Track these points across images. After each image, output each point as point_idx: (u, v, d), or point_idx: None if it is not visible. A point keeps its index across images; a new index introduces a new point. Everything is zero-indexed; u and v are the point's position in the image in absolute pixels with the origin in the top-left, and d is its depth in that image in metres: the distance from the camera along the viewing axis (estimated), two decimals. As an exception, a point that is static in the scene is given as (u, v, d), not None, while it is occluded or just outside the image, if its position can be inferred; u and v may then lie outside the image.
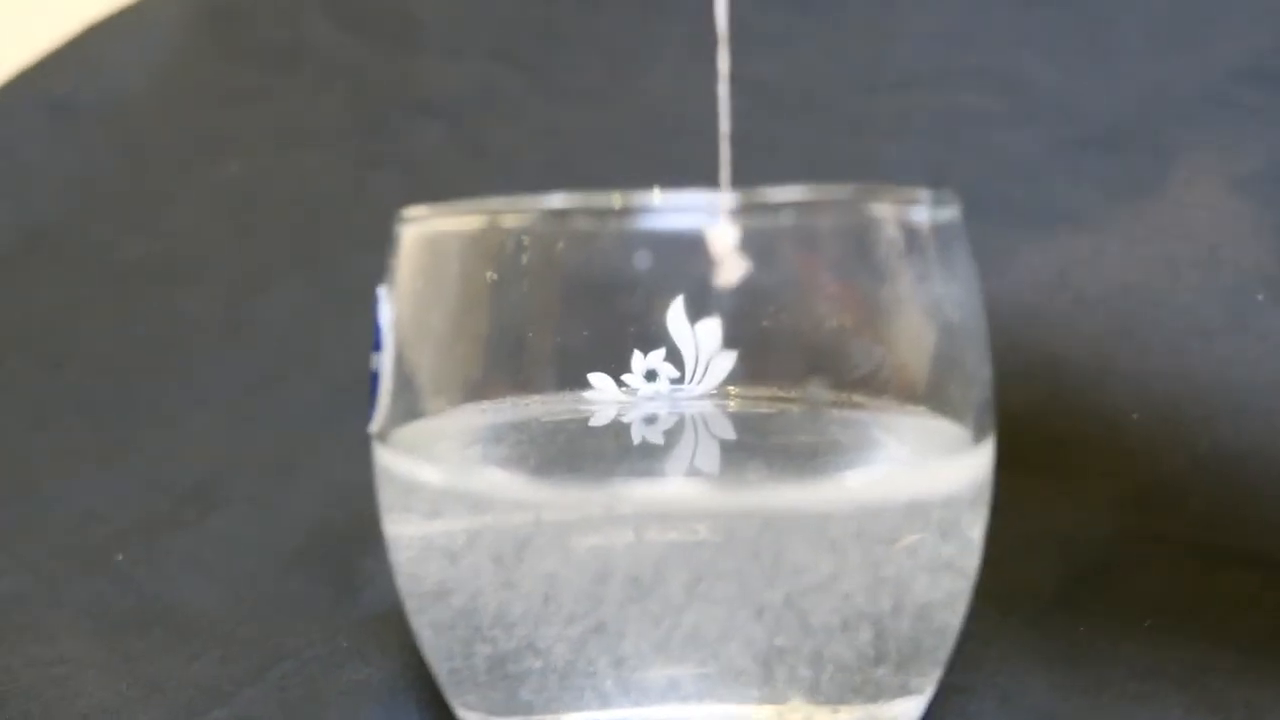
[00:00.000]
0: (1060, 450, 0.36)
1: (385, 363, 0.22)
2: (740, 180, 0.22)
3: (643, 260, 0.20)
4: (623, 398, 0.26)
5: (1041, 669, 0.27)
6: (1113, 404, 0.37)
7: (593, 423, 0.26)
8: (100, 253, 0.52)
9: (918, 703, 0.22)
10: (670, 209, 0.20)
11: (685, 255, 0.20)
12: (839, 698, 0.21)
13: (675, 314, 0.24)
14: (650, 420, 0.26)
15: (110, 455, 0.41)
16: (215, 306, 0.48)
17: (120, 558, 0.34)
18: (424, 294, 0.22)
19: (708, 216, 0.20)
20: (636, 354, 0.25)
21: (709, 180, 0.23)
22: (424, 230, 0.22)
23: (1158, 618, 0.29)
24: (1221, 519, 0.33)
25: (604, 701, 0.21)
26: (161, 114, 0.58)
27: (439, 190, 0.24)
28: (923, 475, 0.22)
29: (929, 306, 0.21)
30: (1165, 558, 0.31)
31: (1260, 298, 0.39)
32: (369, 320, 0.22)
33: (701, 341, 0.25)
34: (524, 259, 0.22)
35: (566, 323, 0.23)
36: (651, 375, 0.26)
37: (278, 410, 0.43)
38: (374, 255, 0.23)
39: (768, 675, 0.20)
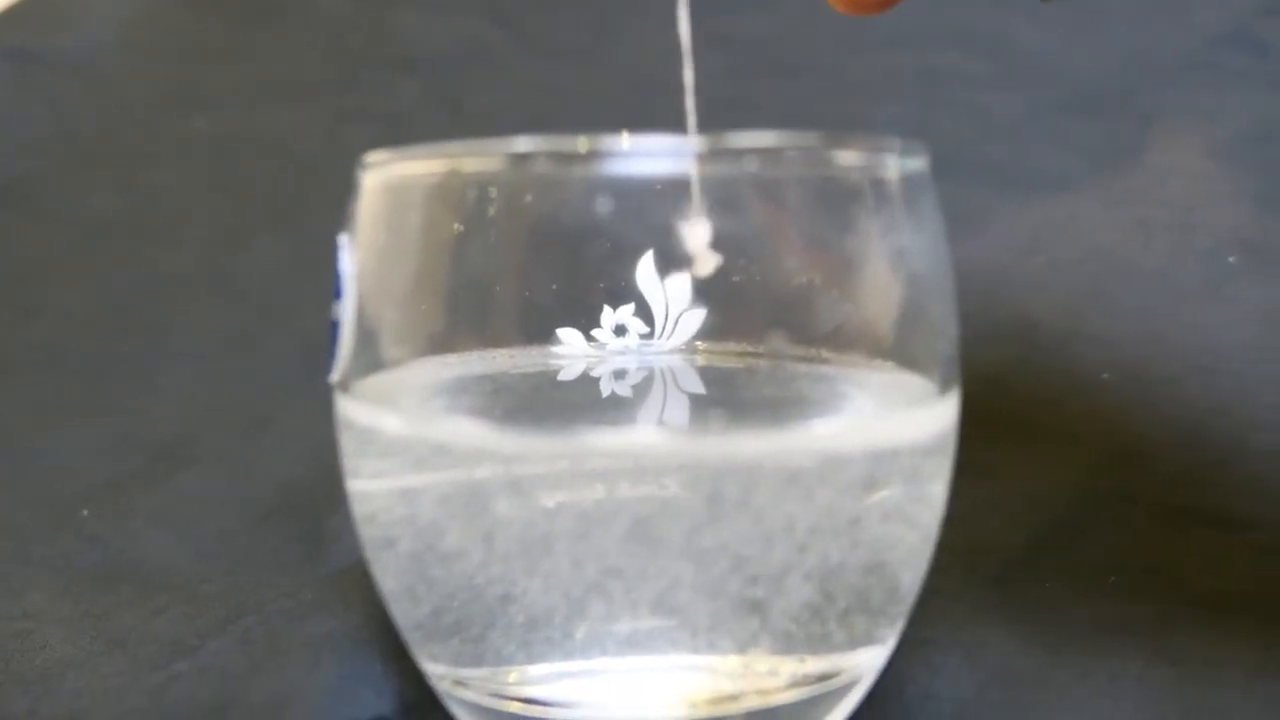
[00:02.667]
0: (1030, 410, 0.36)
1: (346, 311, 0.21)
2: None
3: (608, 205, 0.20)
4: (591, 352, 0.26)
5: (1004, 624, 0.27)
6: (1083, 365, 0.37)
7: (561, 377, 0.26)
8: (72, 208, 0.51)
9: (880, 653, 0.23)
10: (638, 153, 0.20)
11: (653, 200, 0.20)
12: (804, 648, 0.21)
13: (645, 269, 0.24)
14: (619, 374, 0.26)
15: (81, 411, 0.41)
16: (189, 262, 0.48)
17: (86, 514, 0.34)
18: (386, 241, 0.22)
19: (675, 160, 0.20)
20: (606, 309, 0.25)
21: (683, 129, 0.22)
22: (386, 176, 0.22)
23: (1121, 575, 0.29)
24: (1187, 479, 0.33)
25: (569, 653, 0.21)
26: (134, 68, 0.58)
27: (408, 145, 0.24)
28: (887, 426, 0.22)
29: (896, 257, 0.21)
30: (1131, 517, 0.32)
31: (1232, 260, 0.39)
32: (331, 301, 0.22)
33: (671, 297, 0.25)
34: (489, 205, 0.21)
35: (533, 273, 0.23)
36: (620, 330, 0.26)
37: (251, 367, 0.42)
38: (347, 213, 0.23)
39: (733, 626, 0.20)
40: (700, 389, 0.26)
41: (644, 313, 0.25)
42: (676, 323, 0.25)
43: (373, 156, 0.22)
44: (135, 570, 0.31)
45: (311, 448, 0.36)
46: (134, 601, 0.29)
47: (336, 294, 0.21)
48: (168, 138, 0.55)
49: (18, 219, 0.52)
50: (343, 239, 0.21)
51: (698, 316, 0.25)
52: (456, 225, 0.22)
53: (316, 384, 0.30)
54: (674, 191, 0.20)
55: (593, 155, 0.20)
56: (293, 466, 0.36)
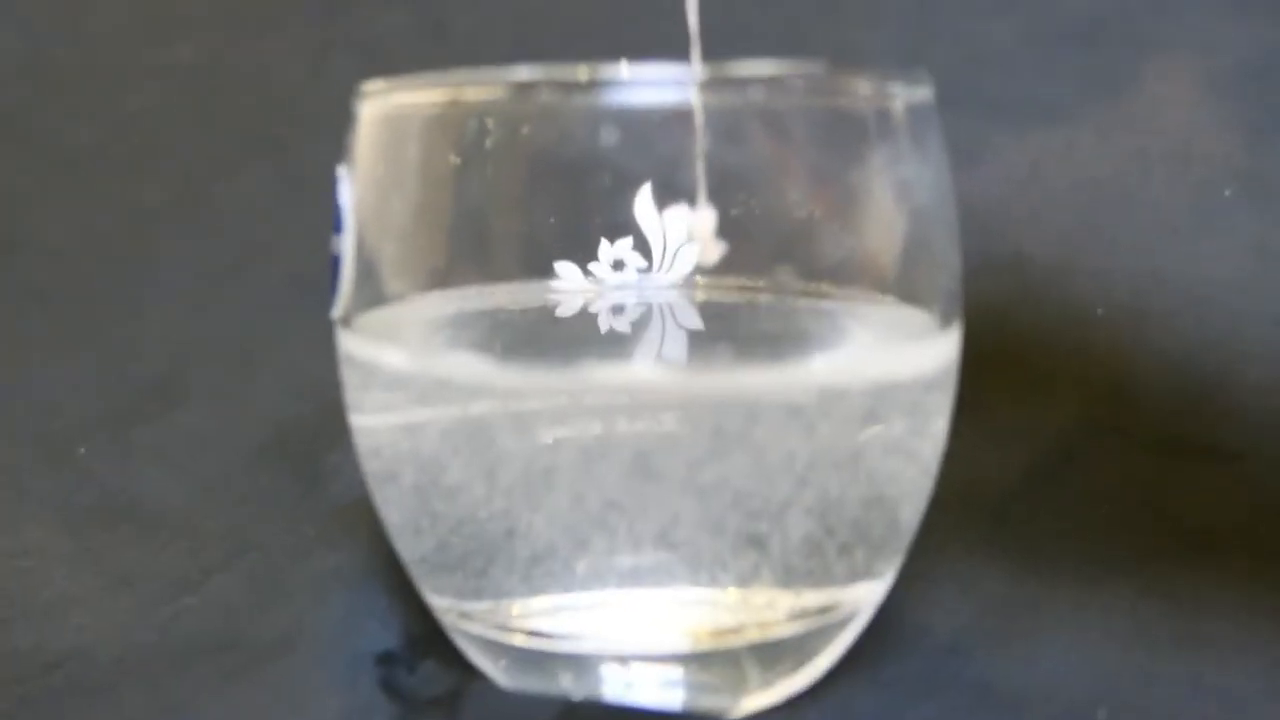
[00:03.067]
0: (1024, 345, 0.36)
1: (347, 245, 0.21)
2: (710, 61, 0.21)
3: (610, 136, 0.20)
4: (590, 287, 0.26)
5: (1000, 557, 0.27)
6: (1079, 299, 0.37)
7: (559, 312, 0.25)
8: (50, 139, 0.50)
9: (878, 587, 0.23)
10: (639, 82, 0.19)
11: (653, 131, 0.20)
12: (804, 582, 0.21)
13: (643, 202, 0.24)
14: (617, 309, 0.26)
15: (68, 347, 0.41)
16: (172, 194, 0.47)
17: (82, 451, 0.34)
18: (384, 173, 0.21)
19: (678, 90, 0.19)
20: (604, 242, 0.25)
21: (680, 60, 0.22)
22: (383, 106, 0.21)
23: (1114, 508, 0.29)
24: (1180, 412, 0.33)
25: (571, 586, 0.21)
26: (110, -6, 0.56)
27: (400, 75, 0.23)
28: (888, 360, 0.22)
29: (900, 190, 0.21)
30: (1124, 450, 0.32)
31: (1228, 193, 0.39)
32: (331, 208, 0.22)
33: (669, 230, 0.25)
34: (487, 136, 0.21)
35: (531, 207, 0.23)
36: (619, 264, 0.25)
37: (240, 301, 0.42)
38: (334, 142, 0.23)
39: (733, 560, 0.21)
40: (699, 324, 0.26)
41: (642, 246, 0.25)
42: (675, 257, 0.25)
43: (369, 86, 0.21)
44: (134, 507, 0.31)
45: (305, 383, 0.35)
46: (135, 538, 0.29)
47: (336, 228, 0.21)
48: (146, 68, 0.53)
49: (-6, 151, 0.51)
50: (341, 171, 0.21)
51: (696, 248, 0.25)
52: (454, 157, 0.22)
53: (307, 318, 0.30)
54: (674, 122, 0.20)
55: (593, 85, 0.20)
56: (287, 402, 0.36)
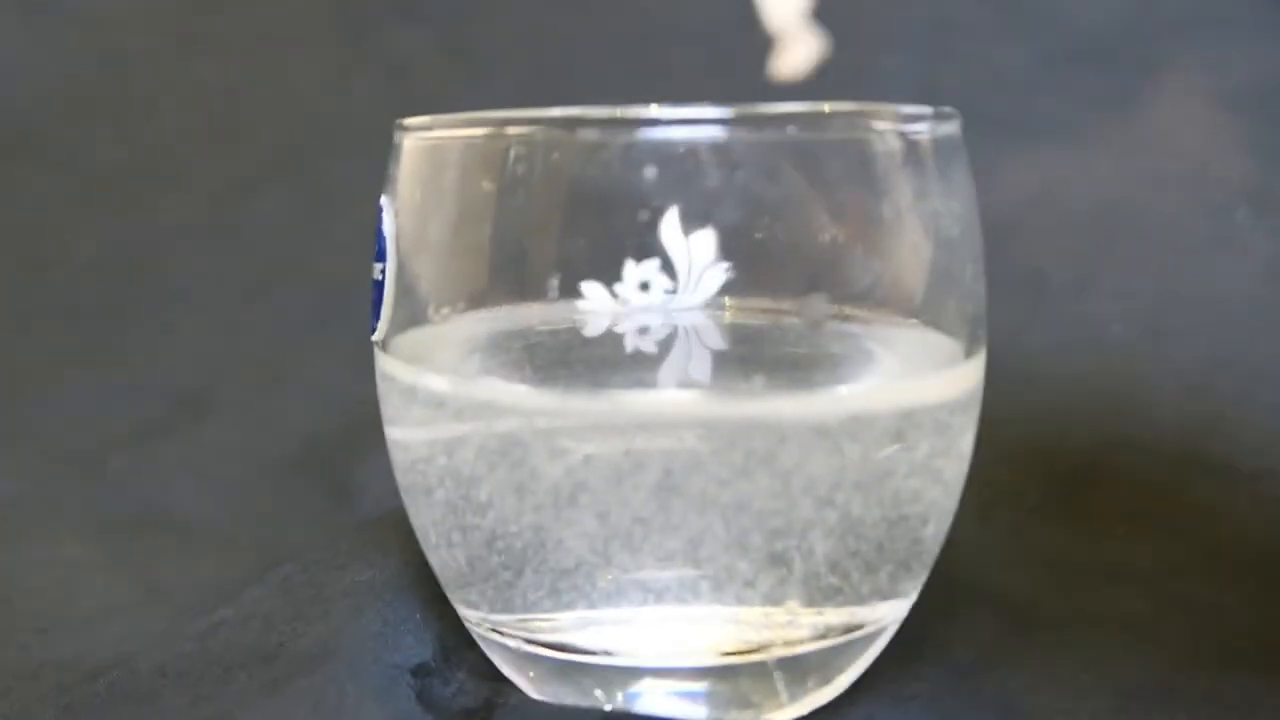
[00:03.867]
0: (1041, 363, 0.36)
1: (389, 273, 0.22)
2: (731, 88, 0.22)
3: (645, 174, 0.20)
4: (616, 307, 0.26)
5: (1020, 572, 0.28)
6: (1095, 317, 0.37)
7: (586, 333, 0.26)
8: (81, 157, 0.51)
9: (902, 605, 0.23)
10: (672, 122, 0.20)
11: (686, 169, 0.21)
12: (826, 600, 0.22)
13: (669, 225, 0.25)
14: (643, 330, 0.26)
15: (98, 362, 0.41)
16: (200, 212, 0.48)
17: (114, 465, 0.35)
18: (422, 202, 0.22)
19: (711, 131, 0.20)
20: (629, 263, 0.26)
21: (697, 87, 0.23)
22: (424, 139, 0.22)
23: (1132, 524, 0.30)
24: (1195, 430, 0.34)
25: (599, 601, 0.21)
26: (140, 16, 0.57)
27: (425, 94, 0.24)
28: (914, 388, 0.22)
29: (927, 221, 0.22)
30: (1141, 467, 0.32)
31: (1241, 213, 0.40)
32: (355, 225, 0.22)
33: (695, 253, 0.25)
34: (522, 171, 0.22)
35: (563, 233, 0.23)
36: (645, 286, 0.26)
37: (267, 317, 0.43)
38: (359, 160, 0.23)
39: (759, 579, 0.21)
40: (724, 345, 0.26)
41: (668, 269, 0.25)
42: (700, 279, 0.26)
43: (411, 121, 0.22)
44: (167, 519, 0.31)
45: (331, 399, 0.36)
46: (170, 550, 0.29)
47: (379, 256, 0.22)
48: (175, 87, 0.54)
49: (25, 169, 0.52)
50: (384, 201, 0.22)
51: (721, 271, 0.25)
52: (488, 185, 0.22)
53: (332, 335, 0.31)
54: (704, 157, 0.21)
55: (627, 122, 0.20)
56: (314, 418, 0.37)
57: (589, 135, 0.21)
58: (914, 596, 0.23)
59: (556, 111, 0.21)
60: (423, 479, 0.23)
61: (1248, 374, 0.35)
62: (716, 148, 0.20)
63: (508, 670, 0.23)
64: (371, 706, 0.20)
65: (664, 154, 0.21)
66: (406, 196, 0.22)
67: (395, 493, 0.24)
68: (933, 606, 0.25)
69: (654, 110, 0.20)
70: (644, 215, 0.23)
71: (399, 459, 0.23)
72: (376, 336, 0.23)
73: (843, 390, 0.22)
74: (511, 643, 0.23)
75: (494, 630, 0.23)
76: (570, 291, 0.26)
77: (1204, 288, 0.37)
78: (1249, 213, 0.39)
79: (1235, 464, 0.32)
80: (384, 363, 0.23)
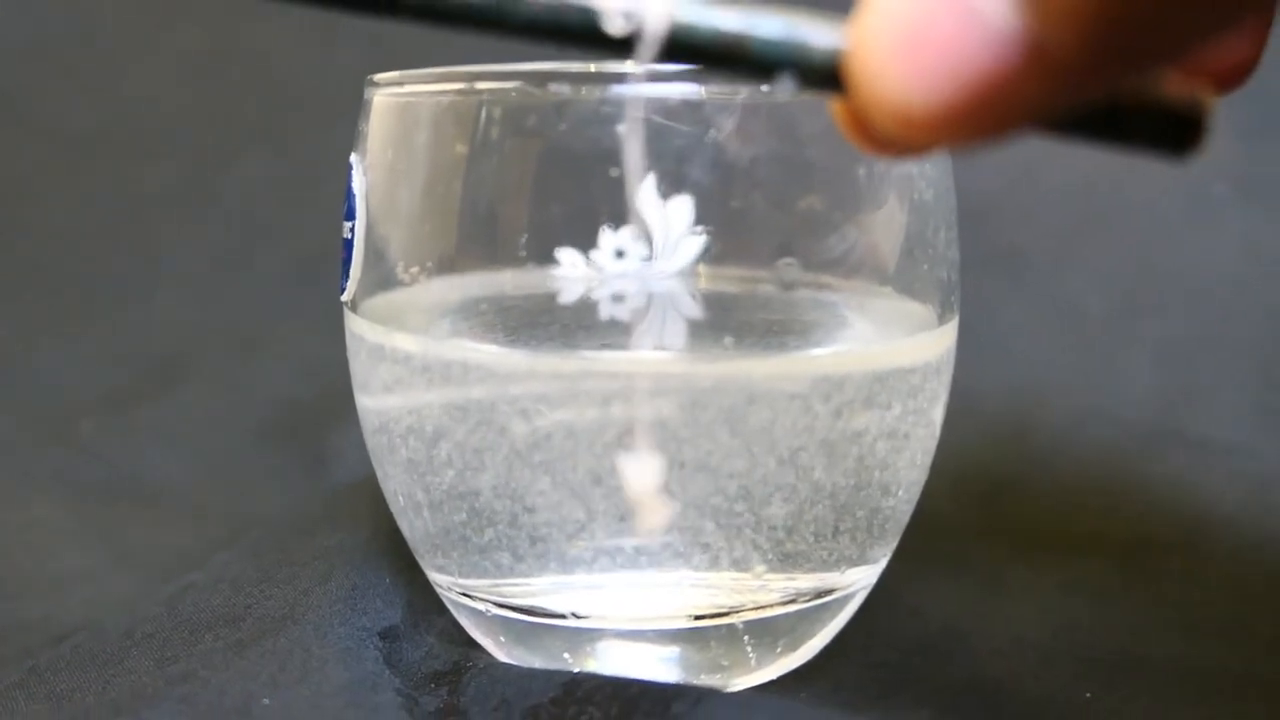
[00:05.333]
0: (1017, 338, 0.36)
1: (358, 231, 0.22)
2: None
3: (613, 129, 0.20)
4: (591, 274, 0.26)
5: (992, 542, 0.28)
6: (1072, 292, 0.37)
7: (561, 298, 0.26)
8: (55, 123, 0.51)
9: (871, 571, 0.23)
10: (645, 77, 0.20)
11: (658, 127, 0.20)
12: (796, 565, 0.22)
13: (646, 192, 0.24)
14: (618, 297, 0.26)
15: (71, 329, 0.41)
16: (175, 178, 0.47)
17: (86, 431, 0.34)
18: (394, 161, 0.22)
19: (682, 86, 0.20)
20: (605, 230, 0.25)
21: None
22: (395, 96, 0.22)
23: (1102, 496, 0.30)
24: (1168, 404, 0.34)
25: (571, 566, 0.21)
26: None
27: (404, 61, 0.23)
28: (885, 351, 0.22)
29: (901, 185, 0.22)
30: (1112, 440, 0.32)
31: (1218, 191, 0.40)
32: (334, 192, 0.22)
33: (671, 220, 0.25)
34: (495, 127, 0.21)
35: (535, 195, 0.23)
36: (620, 253, 0.26)
37: (242, 285, 0.42)
38: (338, 127, 0.23)
39: (730, 543, 0.21)
40: (699, 312, 0.26)
41: (644, 236, 0.25)
42: (676, 246, 0.26)
43: (381, 77, 0.22)
44: (138, 485, 0.31)
45: (306, 366, 0.36)
46: (139, 515, 0.29)
47: (348, 214, 0.21)
48: (150, 53, 0.54)
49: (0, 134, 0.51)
50: (354, 159, 0.22)
51: (698, 239, 0.25)
52: (461, 146, 0.22)
53: (307, 302, 0.31)
54: (678, 116, 0.21)
55: (601, 78, 0.20)
56: (288, 384, 0.36)
57: (562, 90, 0.20)
58: (883, 563, 0.23)
59: (529, 66, 0.20)
60: (391, 442, 0.22)
61: (1225, 349, 0.35)
62: (690, 106, 0.20)
63: (477, 635, 0.23)
64: (337, 668, 0.20)
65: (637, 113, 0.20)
66: (377, 154, 0.22)
67: (368, 461, 0.23)
68: (904, 575, 0.25)
69: (628, 65, 0.20)
70: (617, 173, 0.23)
71: (368, 421, 0.23)
72: (345, 296, 0.22)
73: (814, 353, 0.22)
74: (481, 607, 0.23)
75: (464, 594, 0.23)
76: (545, 257, 0.25)
77: (1180, 264, 0.37)
78: (1226, 190, 0.39)
79: (1208, 439, 0.32)
80: (353, 323, 0.22)
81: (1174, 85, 0.13)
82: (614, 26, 0.13)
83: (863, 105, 0.12)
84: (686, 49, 0.13)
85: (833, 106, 0.13)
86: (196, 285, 0.43)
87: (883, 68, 0.12)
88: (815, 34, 0.13)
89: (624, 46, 0.13)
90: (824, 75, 0.13)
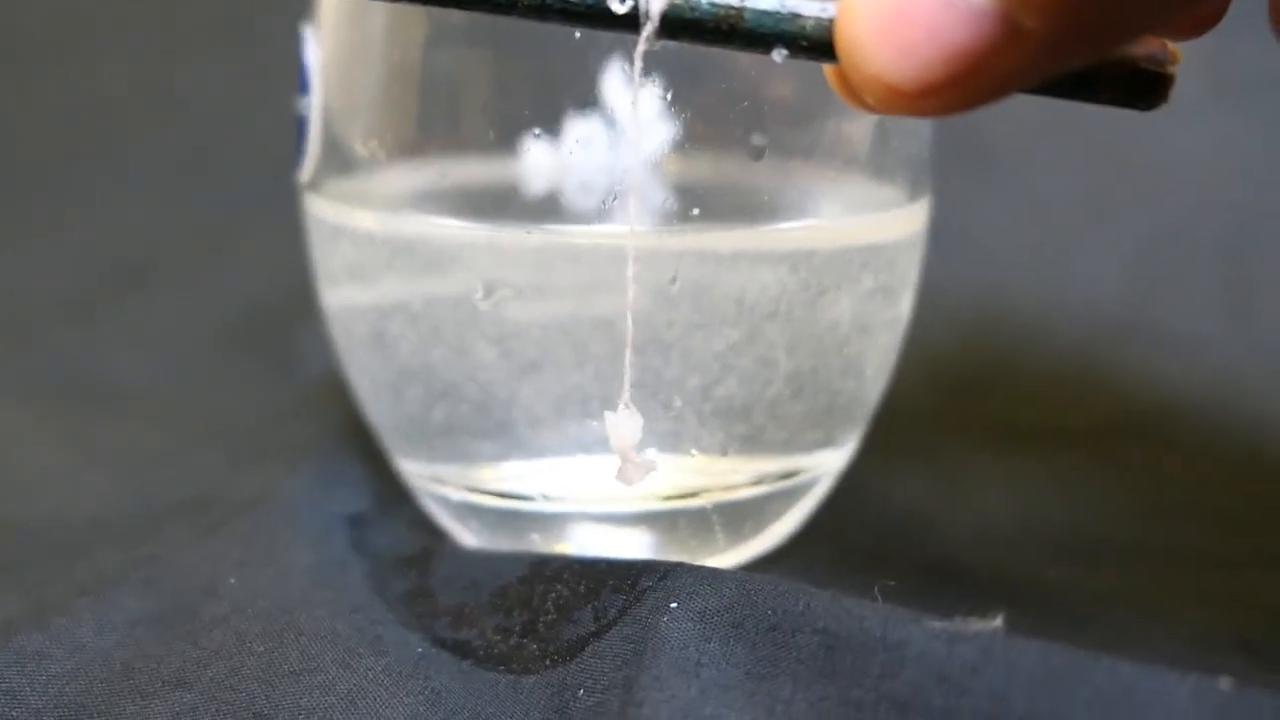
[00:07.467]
0: (989, 233, 0.36)
1: (313, 107, 0.21)
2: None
3: None
4: (559, 159, 0.26)
5: (959, 433, 0.28)
6: (1040, 188, 0.37)
7: (527, 186, 0.25)
8: (7, 29, 0.49)
9: (840, 456, 0.23)
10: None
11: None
12: (766, 447, 0.22)
13: (611, 79, 0.24)
14: (585, 183, 0.26)
15: (31, 234, 0.40)
16: (131, 80, 0.46)
17: (49, 334, 0.34)
18: (350, 36, 0.21)
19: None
20: (572, 117, 0.25)
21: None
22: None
23: (1070, 388, 0.30)
24: (1139, 298, 0.34)
25: (539, 450, 0.21)
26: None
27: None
28: (855, 227, 0.22)
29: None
30: (1082, 333, 0.33)
31: (1189, 88, 0.40)
32: (295, 95, 0.21)
33: (639, 106, 0.25)
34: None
35: (500, 79, 0.23)
36: (586, 140, 0.25)
37: (203, 186, 0.42)
38: (299, 27, 0.22)
39: (697, 423, 0.21)
40: (667, 195, 0.26)
41: (611, 122, 0.25)
42: (644, 132, 0.25)
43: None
44: (104, 387, 0.31)
45: (271, 266, 0.35)
46: (108, 417, 0.29)
47: (302, 89, 0.21)
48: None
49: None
50: (306, 30, 0.21)
51: (667, 124, 0.25)
52: (421, 19, 0.21)
53: (271, 203, 0.30)
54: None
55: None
56: (254, 284, 0.36)
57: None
58: (851, 447, 0.24)
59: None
60: (355, 329, 0.22)
61: (1190, 243, 0.35)
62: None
63: (447, 522, 0.23)
64: (305, 550, 0.20)
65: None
66: (331, 27, 0.21)
67: (335, 360, 0.23)
68: (873, 466, 0.25)
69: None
70: (583, 60, 0.22)
71: (330, 308, 0.23)
72: (302, 177, 0.22)
73: (782, 226, 0.22)
74: (452, 493, 0.22)
75: (434, 481, 0.23)
76: (509, 141, 0.25)
77: (1150, 160, 0.37)
78: (1197, 87, 0.38)
79: (1175, 330, 0.32)
80: (311, 204, 0.22)
81: (1140, 43, 0.14)
82: (617, 4, 0.14)
83: (851, 76, 0.14)
84: (686, 24, 0.14)
85: (826, 69, 0.14)
86: (159, 187, 0.42)
87: (868, 45, 0.13)
88: (806, 6, 0.14)
89: (627, 23, 0.14)
90: (817, 46, 0.14)
